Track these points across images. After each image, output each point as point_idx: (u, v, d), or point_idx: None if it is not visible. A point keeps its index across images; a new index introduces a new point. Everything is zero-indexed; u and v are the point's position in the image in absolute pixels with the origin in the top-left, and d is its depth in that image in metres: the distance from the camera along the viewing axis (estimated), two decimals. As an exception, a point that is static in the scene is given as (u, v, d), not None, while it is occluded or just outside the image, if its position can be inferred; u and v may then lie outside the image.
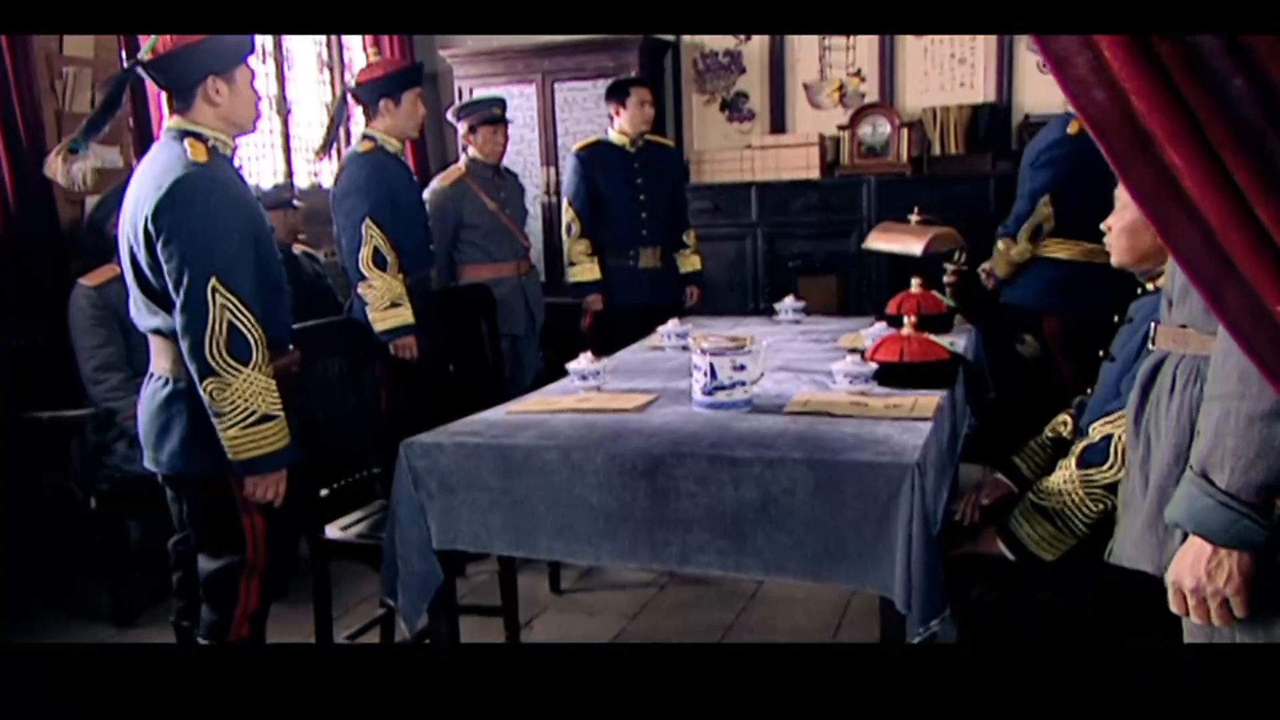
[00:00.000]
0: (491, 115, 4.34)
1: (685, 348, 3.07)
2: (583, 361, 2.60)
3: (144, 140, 3.98)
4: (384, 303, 3.44)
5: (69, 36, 3.71)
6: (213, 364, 2.11)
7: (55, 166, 2.22)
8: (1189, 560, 1.24)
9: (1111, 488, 1.96)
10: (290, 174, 5.06)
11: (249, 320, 2.13)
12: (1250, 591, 1.21)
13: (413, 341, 3.51)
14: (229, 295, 2.11)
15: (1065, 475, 2.04)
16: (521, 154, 5.45)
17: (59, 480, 3.28)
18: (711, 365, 2.28)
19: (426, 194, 4.37)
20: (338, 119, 3.57)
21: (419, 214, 3.71)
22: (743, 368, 2.29)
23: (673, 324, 3.31)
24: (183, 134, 2.21)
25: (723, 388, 2.29)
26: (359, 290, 3.47)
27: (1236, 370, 1.18)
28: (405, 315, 3.47)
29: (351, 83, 3.72)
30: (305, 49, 5.24)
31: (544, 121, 5.47)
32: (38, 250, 3.55)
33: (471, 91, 5.46)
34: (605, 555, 2.07)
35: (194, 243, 2.10)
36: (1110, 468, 1.97)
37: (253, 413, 2.14)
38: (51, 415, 3.27)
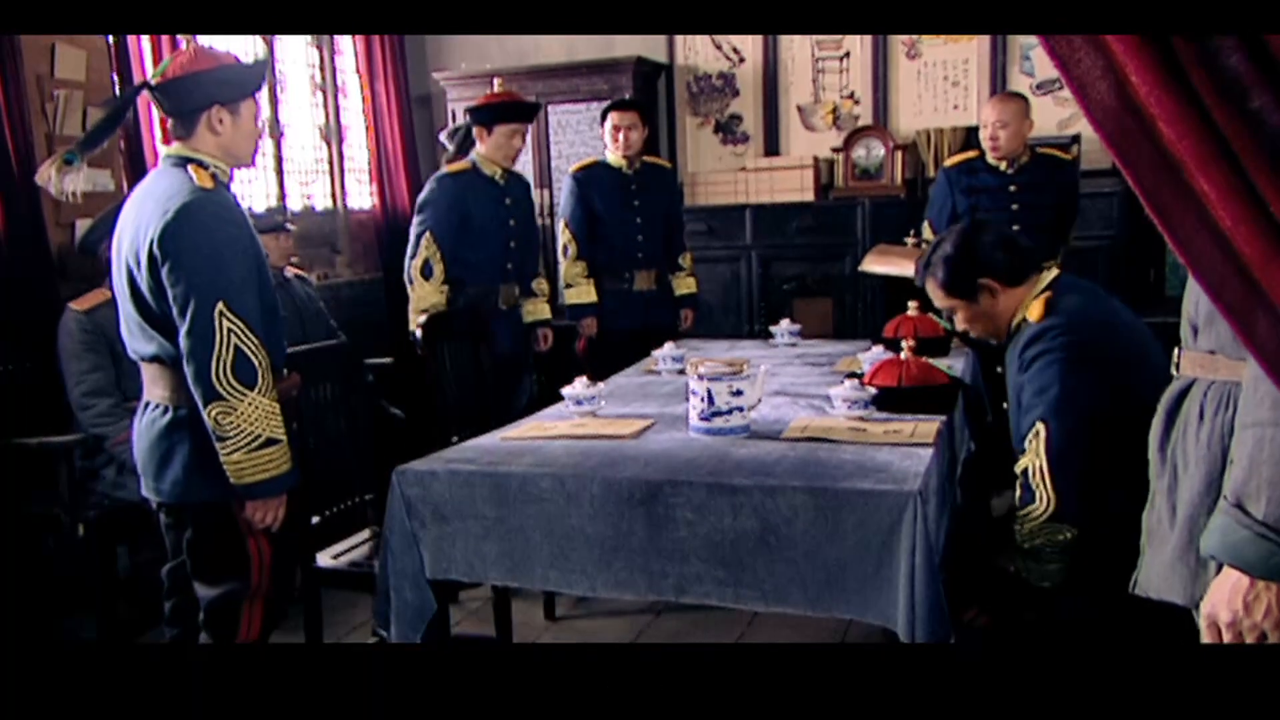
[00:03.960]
0: (486, 138, 4.32)
1: (681, 371, 3.05)
2: (578, 386, 2.57)
3: (135, 163, 3.95)
4: (420, 306, 3.73)
5: (60, 59, 3.69)
6: (219, 388, 2.09)
7: (48, 175, 2.22)
8: (1225, 593, 1.20)
9: (1054, 518, 2.08)
10: (283, 197, 5.04)
11: (254, 344, 2.13)
12: None
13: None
14: (235, 320, 2.10)
15: (1019, 517, 2.12)
16: (515, 176, 5.43)
17: (46, 507, 3.24)
18: (709, 390, 2.26)
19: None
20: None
21: (500, 233, 3.89)
22: (740, 393, 2.27)
23: (668, 347, 3.29)
24: (184, 160, 2.21)
25: (720, 413, 2.26)
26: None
27: (1270, 397, 1.14)
28: None
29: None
30: (298, 72, 5.23)
31: (538, 144, 5.46)
32: (27, 274, 3.51)
33: (464, 114, 5.44)
34: (601, 586, 2.03)
35: (201, 267, 2.09)
36: (1040, 501, 2.09)
37: (257, 437, 2.13)
38: (40, 441, 3.22)
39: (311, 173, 5.27)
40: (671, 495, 1.95)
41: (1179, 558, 1.40)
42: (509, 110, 3.84)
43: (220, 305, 2.09)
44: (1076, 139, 4.65)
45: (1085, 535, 2.06)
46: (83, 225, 3.63)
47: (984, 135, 3.89)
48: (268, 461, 2.16)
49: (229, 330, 2.09)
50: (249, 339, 2.12)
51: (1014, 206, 3.86)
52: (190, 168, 2.18)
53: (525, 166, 5.47)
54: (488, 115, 3.83)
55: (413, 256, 3.79)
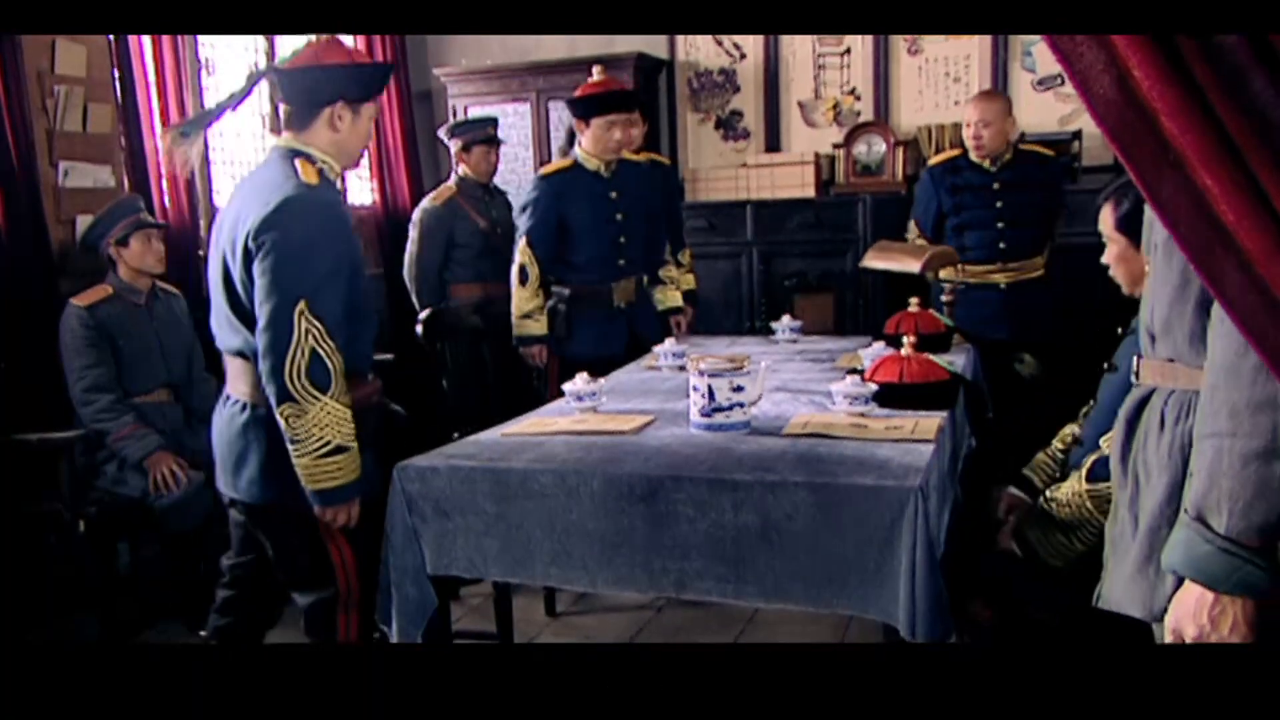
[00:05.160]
0: (485, 135, 4.33)
1: (682, 368, 3.04)
2: (579, 382, 2.57)
3: (136, 160, 3.95)
4: (519, 313, 3.69)
5: (60, 55, 3.68)
6: (291, 389, 2.05)
7: (167, 145, 2.17)
8: (1190, 608, 1.18)
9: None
10: (283, 193, 5.02)
11: (330, 348, 2.08)
12: (1255, 638, 1.16)
13: (540, 350, 3.70)
14: (314, 321, 2.06)
15: (1075, 488, 2.06)
16: (515, 173, 5.43)
17: (47, 503, 3.24)
18: (710, 386, 2.26)
19: (417, 213, 4.36)
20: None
21: (605, 230, 3.74)
22: (741, 389, 2.26)
23: (669, 344, 3.28)
24: (293, 153, 2.18)
25: (721, 409, 2.26)
26: None
27: (1226, 407, 1.12)
28: (533, 327, 3.69)
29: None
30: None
31: (538, 140, 5.45)
32: (28, 270, 3.51)
33: (465, 110, 5.44)
34: (602, 582, 2.03)
35: (289, 264, 2.06)
36: None
37: (327, 443, 2.08)
38: (41, 437, 3.22)
39: (312, 169, 5.26)
40: (673, 491, 1.95)
41: (1139, 570, 1.36)
42: (606, 101, 3.65)
43: (301, 304, 2.04)
44: (1078, 135, 4.64)
45: None
46: (84, 221, 3.63)
47: (967, 134, 3.92)
48: (336, 469, 2.10)
49: (307, 330, 2.05)
50: (326, 342, 2.07)
51: (998, 204, 3.89)
52: (298, 161, 2.16)
53: (525, 163, 5.47)
54: (583, 107, 3.66)
55: (513, 261, 3.72)
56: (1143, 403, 1.41)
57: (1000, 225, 3.88)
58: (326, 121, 2.20)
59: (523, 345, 3.73)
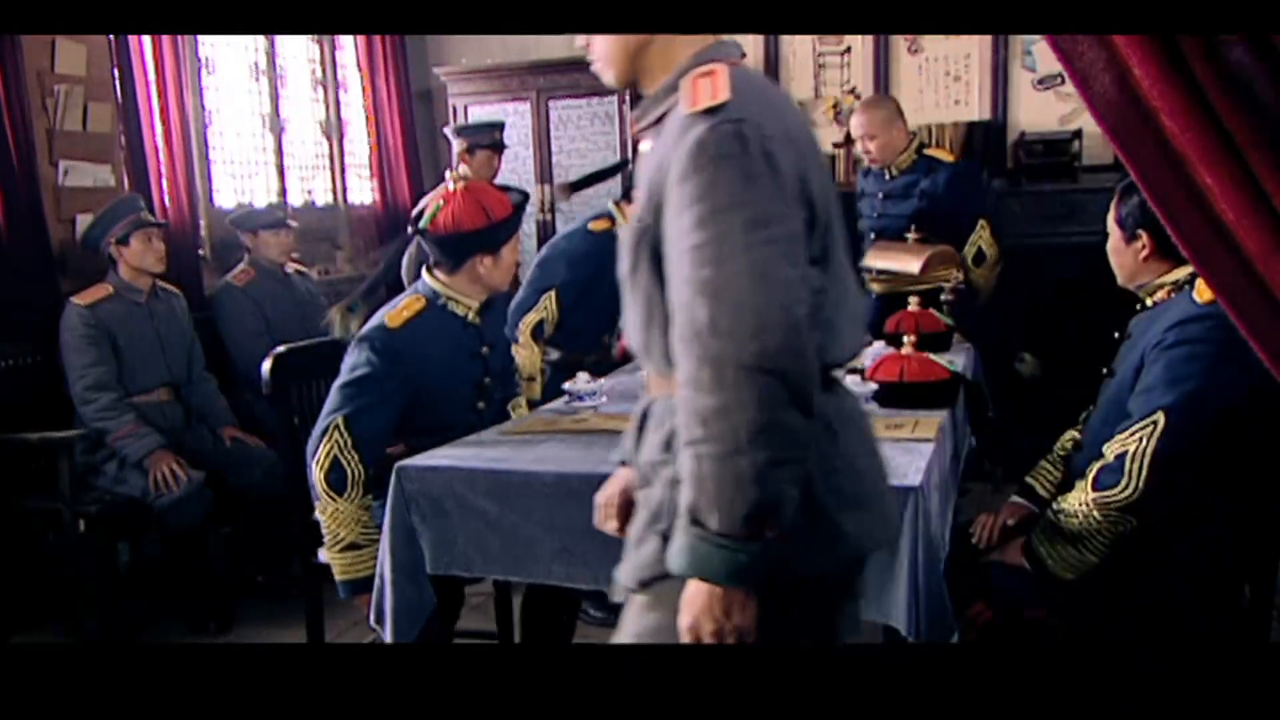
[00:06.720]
0: (491, 140, 4.32)
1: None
2: (580, 382, 2.57)
3: (135, 160, 3.95)
4: (529, 373, 3.33)
5: (60, 54, 3.69)
6: (314, 484, 2.28)
7: (333, 320, 2.44)
8: (701, 606, 1.25)
9: (1128, 508, 2.00)
10: (284, 192, 5.03)
11: (353, 459, 2.27)
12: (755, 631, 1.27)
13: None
14: (345, 435, 2.27)
15: (1081, 498, 2.05)
16: (516, 172, 5.43)
17: (47, 502, 3.24)
18: (710, 386, 2.25)
19: (417, 213, 4.35)
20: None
21: (611, 304, 3.47)
22: (741, 388, 2.26)
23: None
24: (429, 294, 2.48)
25: (721, 409, 2.26)
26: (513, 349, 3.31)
27: (696, 417, 1.21)
28: (535, 391, 3.33)
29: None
30: (299, 67, 5.22)
31: (539, 139, 5.46)
32: (28, 269, 3.51)
33: (466, 109, 5.44)
34: (604, 580, 2.03)
35: (342, 385, 2.32)
36: (1125, 488, 1.99)
37: (341, 539, 2.28)
38: (41, 436, 3.23)
39: (312, 168, 5.27)
40: (673, 490, 1.94)
41: (633, 547, 1.45)
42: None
43: (340, 419, 2.27)
44: (1078, 134, 4.64)
45: (1138, 531, 2.03)
46: (84, 221, 3.64)
47: (859, 148, 3.85)
48: (348, 565, 2.30)
49: (336, 441, 2.26)
50: (349, 454, 2.27)
51: (876, 214, 3.80)
52: (407, 299, 2.45)
53: (526, 162, 5.48)
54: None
55: (526, 310, 3.31)
56: (647, 410, 1.50)
57: (873, 236, 3.78)
58: (470, 269, 2.46)
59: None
